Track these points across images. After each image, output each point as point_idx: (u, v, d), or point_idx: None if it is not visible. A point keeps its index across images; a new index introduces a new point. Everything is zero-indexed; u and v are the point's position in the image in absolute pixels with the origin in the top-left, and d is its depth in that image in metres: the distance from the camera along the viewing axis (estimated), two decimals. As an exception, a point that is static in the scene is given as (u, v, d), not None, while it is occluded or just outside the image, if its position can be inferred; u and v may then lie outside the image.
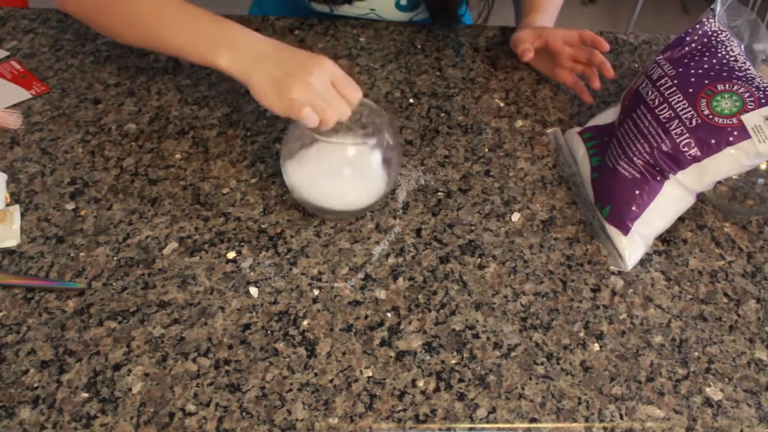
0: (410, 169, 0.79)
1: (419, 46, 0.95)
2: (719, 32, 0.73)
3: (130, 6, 0.71)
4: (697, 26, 0.74)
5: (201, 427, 0.56)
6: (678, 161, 0.68)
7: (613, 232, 0.71)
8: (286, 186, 0.75)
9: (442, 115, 0.86)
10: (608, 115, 0.80)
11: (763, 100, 0.66)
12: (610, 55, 0.97)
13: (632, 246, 0.70)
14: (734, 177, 0.74)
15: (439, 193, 0.76)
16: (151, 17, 0.70)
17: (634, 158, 0.70)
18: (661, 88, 0.71)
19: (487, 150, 0.82)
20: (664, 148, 0.68)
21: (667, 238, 0.74)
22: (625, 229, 0.70)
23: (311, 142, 0.67)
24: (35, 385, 0.58)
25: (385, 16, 0.99)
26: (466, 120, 0.85)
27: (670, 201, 0.70)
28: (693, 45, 0.73)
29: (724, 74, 0.69)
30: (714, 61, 0.70)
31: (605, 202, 0.72)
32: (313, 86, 0.64)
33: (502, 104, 0.88)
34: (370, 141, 0.68)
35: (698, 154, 0.67)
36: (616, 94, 0.91)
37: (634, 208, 0.70)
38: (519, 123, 0.86)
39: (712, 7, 0.74)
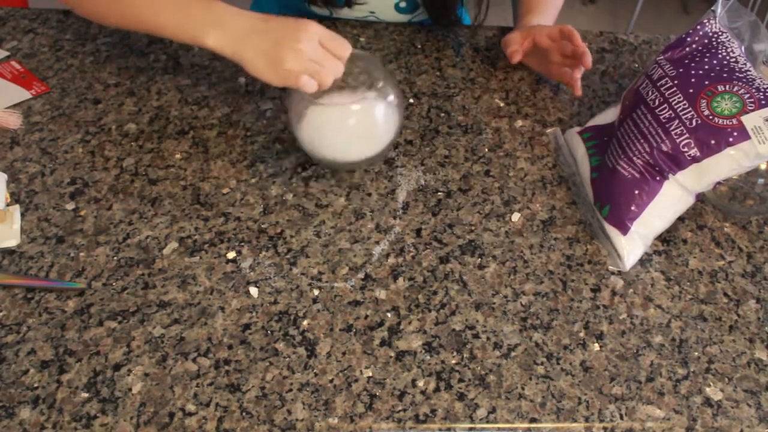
0: (410, 169, 0.79)
1: (419, 46, 0.95)
2: (720, 33, 0.73)
3: None
4: (698, 27, 0.74)
5: (201, 427, 0.56)
6: (678, 161, 0.68)
7: (612, 231, 0.71)
8: (286, 186, 0.75)
9: (442, 115, 0.86)
10: (608, 115, 0.80)
11: (763, 102, 0.66)
12: (611, 55, 0.97)
13: (631, 246, 0.70)
14: (734, 177, 0.74)
15: (439, 193, 0.76)
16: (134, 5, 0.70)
17: (634, 158, 0.70)
18: (662, 89, 0.71)
19: (487, 150, 0.82)
20: (664, 148, 0.68)
21: (667, 238, 0.74)
22: (624, 229, 0.70)
23: (313, 102, 0.69)
24: (35, 385, 0.58)
25: (385, 18, 0.99)
26: (466, 120, 0.85)
27: (670, 201, 0.70)
28: (694, 46, 0.73)
29: (725, 75, 0.69)
30: (714, 62, 0.70)
31: (605, 201, 0.72)
32: (304, 52, 0.65)
33: (502, 104, 0.88)
34: (369, 94, 0.70)
35: (698, 154, 0.67)
36: (616, 94, 0.91)
37: (633, 208, 0.70)
38: (519, 123, 0.86)
39: (713, 8, 0.74)
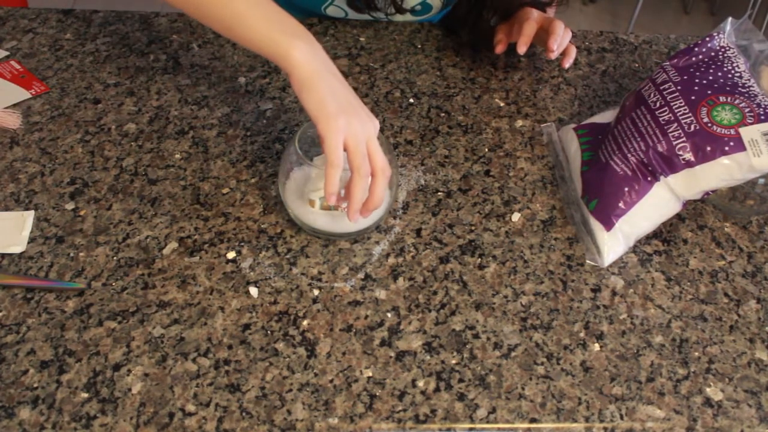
0: (410, 169, 0.79)
1: (419, 46, 0.95)
2: (727, 48, 0.74)
3: None
4: (707, 39, 0.75)
5: (201, 428, 0.56)
6: (671, 164, 0.68)
7: (596, 226, 0.71)
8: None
9: (442, 115, 0.86)
10: (607, 116, 0.80)
11: (762, 117, 0.66)
12: (611, 55, 0.97)
13: (612, 242, 0.70)
14: (722, 189, 0.74)
15: (439, 193, 0.76)
16: (224, 7, 0.69)
17: (629, 155, 0.70)
18: (664, 92, 0.71)
19: (487, 150, 0.82)
20: (660, 149, 0.68)
21: (667, 238, 0.74)
22: (609, 225, 0.70)
23: (306, 162, 0.66)
24: (35, 385, 0.58)
25: (399, 20, 0.99)
26: (466, 120, 0.85)
27: (657, 203, 0.70)
28: (701, 57, 0.74)
29: (728, 88, 0.69)
30: (719, 74, 0.71)
31: (593, 195, 0.72)
32: (362, 122, 0.64)
33: (502, 104, 0.88)
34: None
35: (692, 159, 0.67)
36: (616, 94, 0.91)
37: (621, 205, 0.70)
38: (519, 123, 0.86)
39: (722, 24, 0.75)
